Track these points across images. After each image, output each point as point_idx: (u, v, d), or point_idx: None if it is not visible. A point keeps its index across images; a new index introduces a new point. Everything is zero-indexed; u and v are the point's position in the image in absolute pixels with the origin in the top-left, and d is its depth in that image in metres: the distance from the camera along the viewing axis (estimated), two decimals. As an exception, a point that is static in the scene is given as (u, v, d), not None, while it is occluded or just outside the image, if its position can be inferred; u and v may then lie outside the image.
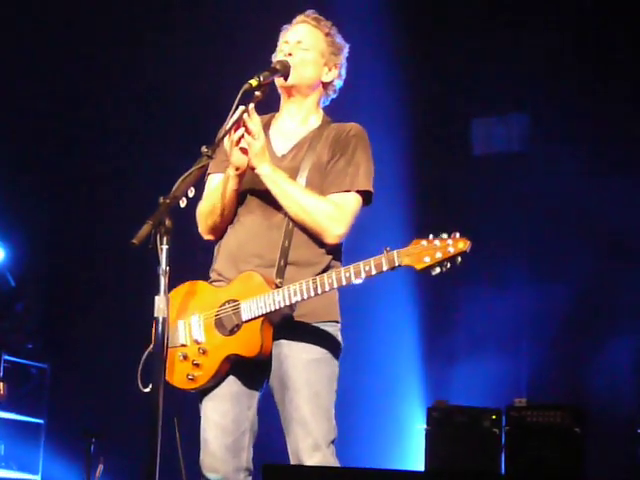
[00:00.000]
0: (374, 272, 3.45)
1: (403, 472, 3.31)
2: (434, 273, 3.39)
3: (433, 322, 7.66)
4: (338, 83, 4.05)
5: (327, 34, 4.01)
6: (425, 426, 6.89)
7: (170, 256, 3.20)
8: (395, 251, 3.41)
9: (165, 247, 3.20)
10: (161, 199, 3.25)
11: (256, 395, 3.85)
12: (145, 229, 3.17)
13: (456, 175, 7.79)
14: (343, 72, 4.05)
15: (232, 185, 3.82)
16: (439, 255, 3.36)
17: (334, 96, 4.08)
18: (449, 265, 3.37)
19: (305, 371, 3.75)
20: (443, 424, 6.86)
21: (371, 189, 3.89)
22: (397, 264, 3.40)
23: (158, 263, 3.19)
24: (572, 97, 7.41)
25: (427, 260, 3.37)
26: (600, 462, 6.58)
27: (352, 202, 3.85)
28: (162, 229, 3.20)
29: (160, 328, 3.20)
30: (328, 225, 3.79)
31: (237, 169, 3.78)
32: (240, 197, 3.88)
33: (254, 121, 3.71)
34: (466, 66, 7.70)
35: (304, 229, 3.80)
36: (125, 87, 8.19)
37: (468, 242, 3.36)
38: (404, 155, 7.52)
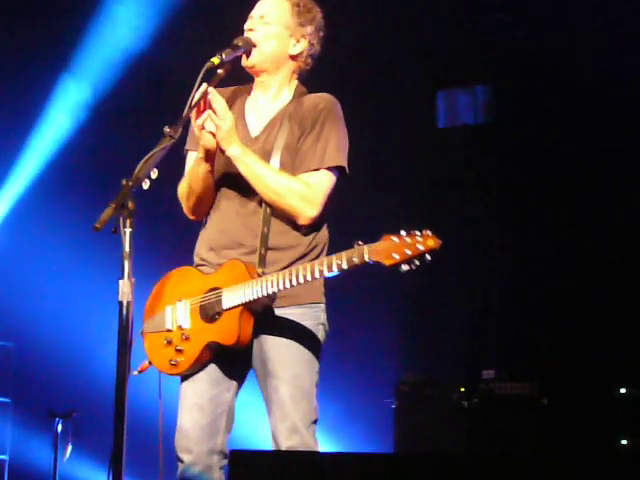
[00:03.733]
0: (345, 267, 3.43)
1: (366, 455, 3.29)
2: (403, 270, 3.37)
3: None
4: (312, 53, 3.94)
5: (295, 4, 3.90)
6: (394, 402, 6.90)
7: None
8: (365, 246, 3.39)
9: (128, 230, 3.15)
10: (123, 181, 3.20)
11: (236, 380, 3.83)
12: (107, 212, 3.13)
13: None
14: (315, 41, 3.93)
15: (204, 167, 3.78)
16: (408, 252, 3.33)
17: (311, 65, 3.96)
18: (418, 263, 3.35)
19: (285, 353, 3.74)
20: (412, 398, 6.87)
21: (342, 163, 3.83)
22: (367, 259, 3.38)
23: (121, 246, 3.16)
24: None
25: (396, 257, 3.34)
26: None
27: (323, 180, 3.80)
28: (125, 212, 3.15)
29: (124, 312, 3.15)
30: (300, 207, 3.75)
31: (207, 151, 3.74)
32: (217, 181, 3.84)
33: (218, 102, 3.66)
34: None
35: (281, 214, 3.77)
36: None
37: (438, 240, 3.34)
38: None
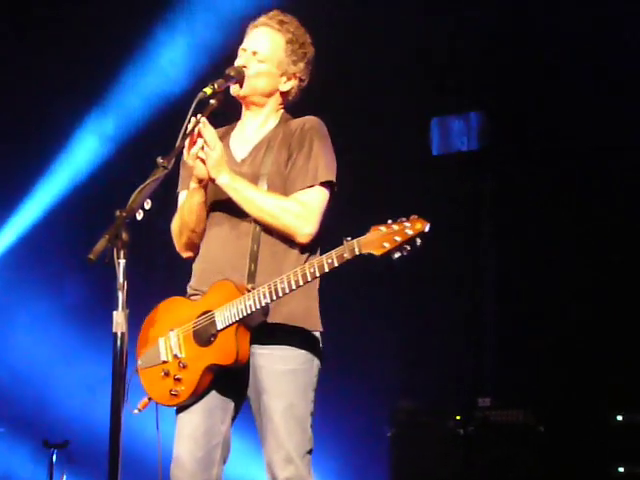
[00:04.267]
0: (336, 263, 3.42)
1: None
2: (395, 257, 3.36)
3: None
4: (301, 88, 3.96)
5: (289, 41, 3.90)
6: (389, 430, 6.88)
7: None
8: (355, 240, 3.39)
9: (122, 261, 3.13)
10: (117, 212, 3.19)
11: (231, 410, 3.81)
12: (101, 243, 3.11)
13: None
14: (305, 76, 3.96)
15: (198, 198, 3.79)
16: (398, 239, 3.33)
17: (298, 97, 3.99)
18: (409, 248, 3.34)
19: (279, 382, 3.71)
20: (408, 426, 6.85)
21: (333, 179, 3.84)
22: (357, 252, 3.37)
23: (115, 278, 3.15)
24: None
25: (386, 245, 3.34)
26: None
27: (318, 197, 3.80)
28: (119, 243, 3.14)
29: (119, 344, 3.14)
30: (297, 225, 3.74)
31: (200, 181, 3.75)
32: (208, 211, 3.85)
33: (209, 131, 3.67)
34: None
35: (275, 232, 3.76)
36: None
37: (426, 222, 3.34)
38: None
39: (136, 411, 3.74)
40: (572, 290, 7.11)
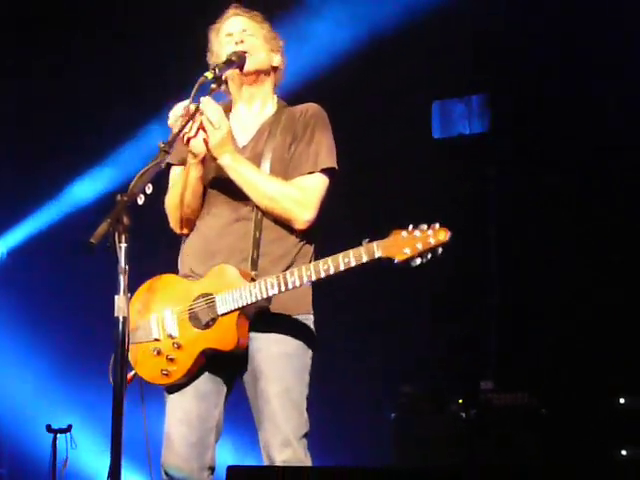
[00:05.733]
0: (353, 264, 3.42)
1: (365, 469, 3.28)
2: (414, 264, 3.36)
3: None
4: (284, 66, 4.05)
5: (262, 21, 4.02)
6: (393, 413, 6.89)
7: (133, 253, 3.15)
8: (375, 242, 3.39)
9: (124, 245, 3.14)
10: (118, 197, 3.20)
11: (224, 393, 3.82)
12: (102, 227, 3.12)
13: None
14: (285, 57, 4.05)
15: (195, 173, 3.78)
16: (420, 246, 3.33)
17: (282, 81, 4.07)
18: (429, 256, 3.34)
19: (276, 365, 3.73)
20: (410, 410, 6.85)
21: (335, 166, 3.86)
22: (376, 256, 3.37)
23: (117, 262, 3.14)
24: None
25: (407, 252, 3.34)
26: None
27: (317, 183, 3.82)
28: (120, 227, 3.14)
29: (120, 327, 3.14)
30: (296, 211, 3.76)
31: (196, 156, 3.73)
32: (206, 191, 3.84)
33: (214, 110, 3.67)
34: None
35: (273, 217, 3.76)
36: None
37: (448, 232, 3.34)
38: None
39: None
40: (576, 272, 7.10)
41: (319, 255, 3.77)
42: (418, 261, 3.34)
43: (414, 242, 3.33)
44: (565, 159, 7.23)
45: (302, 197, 3.77)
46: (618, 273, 6.98)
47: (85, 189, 8.19)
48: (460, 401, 6.74)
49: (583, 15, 6.91)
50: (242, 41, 3.89)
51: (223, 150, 3.70)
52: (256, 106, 3.97)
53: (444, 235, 3.33)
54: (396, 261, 3.35)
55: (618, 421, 6.41)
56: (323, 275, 3.48)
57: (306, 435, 3.75)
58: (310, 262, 3.76)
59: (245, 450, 6.75)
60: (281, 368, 3.73)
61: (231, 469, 3.01)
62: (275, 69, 4.00)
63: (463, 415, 6.72)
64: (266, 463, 3.71)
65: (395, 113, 7.63)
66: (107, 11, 7.83)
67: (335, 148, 3.90)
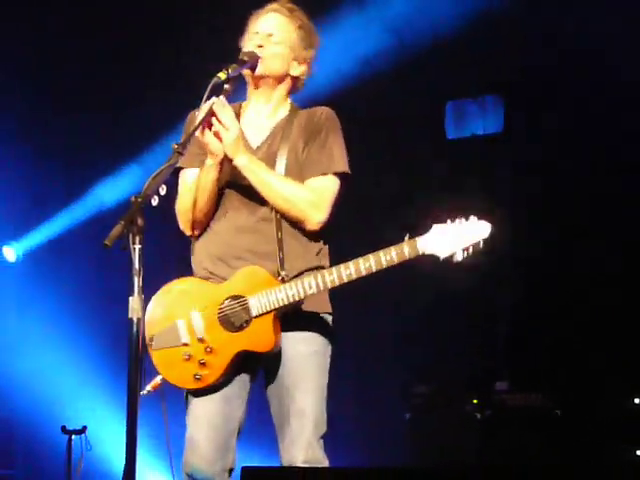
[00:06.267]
0: (397, 260, 3.42)
1: (380, 469, 3.27)
2: (457, 260, 3.35)
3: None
4: (307, 77, 3.98)
5: (299, 27, 3.93)
6: (407, 413, 6.89)
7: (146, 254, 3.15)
8: (417, 239, 3.39)
9: (138, 247, 3.13)
10: (133, 198, 3.18)
11: (246, 394, 3.81)
12: (117, 229, 3.10)
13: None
14: (313, 67, 3.98)
15: (212, 175, 3.75)
16: (466, 241, 3.34)
17: (301, 89, 4.01)
18: (471, 250, 3.33)
19: (302, 365, 3.73)
20: (425, 410, 6.85)
21: (348, 170, 3.86)
22: (420, 252, 3.37)
23: (131, 263, 3.14)
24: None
25: (452, 247, 3.35)
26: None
27: (330, 185, 3.82)
28: (134, 229, 3.12)
29: (134, 329, 3.13)
30: (309, 212, 3.76)
31: (215, 157, 3.71)
32: (221, 193, 3.83)
33: (226, 112, 3.66)
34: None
35: (287, 218, 3.76)
36: None
37: (489, 226, 3.35)
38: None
39: (146, 392, 3.71)
40: (592, 272, 7.08)
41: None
42: (461, 257, 3.33)
43: (457, 237, 3.33)
44: (579, 159, 7.22)
45: (315, 198, 3.77)
46: (633, 283, 6.97)
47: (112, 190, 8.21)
48: (475, 401, 6.74)
49: (596, 14, 6.89)
50: (262, 46, 3.85)
51: (237, 150, 3.69)
52: (268, 107, 3.95)
53: (485, 230, 3.32)
54: (442, 258, 3.34)
55: (633, 422, 6.40)
56: (364, 273, 3.48)
57: (324, 436, 3.75)
58: (325, 263, 3.79)
59: (246, 450, 6.75)
60: (309, 367, 3.73)
61: (245, 470, 3.00)
62: (294, 78, 3.95)
63: (478, 416, 6.72)
64: (285, 462, 3.70)
65: (409, 114, 7.63)
66: (138, 10, 7.81)
67: (346, 154, 3.89)
